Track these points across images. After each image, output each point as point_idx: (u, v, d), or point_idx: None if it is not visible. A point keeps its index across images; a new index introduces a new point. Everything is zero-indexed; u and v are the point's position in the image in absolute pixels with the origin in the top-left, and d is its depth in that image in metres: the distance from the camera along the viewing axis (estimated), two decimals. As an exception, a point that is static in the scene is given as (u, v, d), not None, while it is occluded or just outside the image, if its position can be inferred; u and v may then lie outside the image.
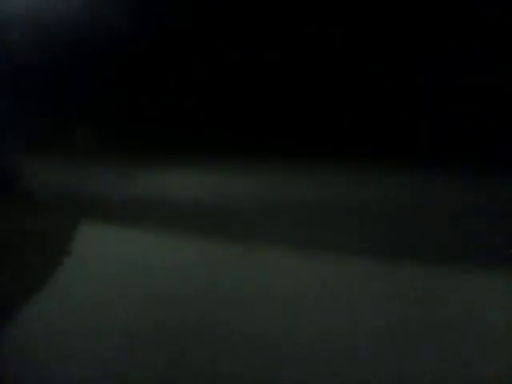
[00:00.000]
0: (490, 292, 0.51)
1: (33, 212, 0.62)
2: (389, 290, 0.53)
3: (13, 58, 0.59)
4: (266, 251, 0.57)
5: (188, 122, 0.56)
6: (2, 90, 0.60)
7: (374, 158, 0.52)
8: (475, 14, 0.44)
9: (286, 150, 0.55)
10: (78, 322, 0.56)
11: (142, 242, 0.60)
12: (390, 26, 0.47)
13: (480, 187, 0.50)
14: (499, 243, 0.51)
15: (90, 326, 0.55)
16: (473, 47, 0.45)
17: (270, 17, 0.49)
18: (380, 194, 0.54)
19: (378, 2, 0.46)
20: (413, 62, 0.47)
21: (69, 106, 0.60)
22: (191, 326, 0.54)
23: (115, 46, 0.55)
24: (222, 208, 0.59)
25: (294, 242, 0.57)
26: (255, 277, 0.56)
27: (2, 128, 0.61)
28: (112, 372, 0.52)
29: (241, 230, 0.58)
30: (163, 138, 0.59)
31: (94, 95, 0.59)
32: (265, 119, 0.54)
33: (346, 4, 0.47)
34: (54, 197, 0.63)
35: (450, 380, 0.48)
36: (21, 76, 0.60)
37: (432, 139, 0.50)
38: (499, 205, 0.51)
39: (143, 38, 0.54)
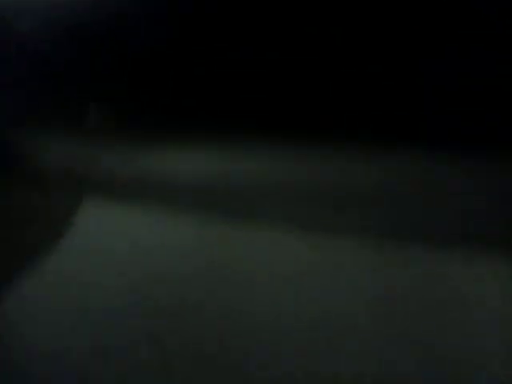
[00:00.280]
0: (488, 275, 0.51)
1: (34, 188, 0.63)
2: (389, 270, 0.53)
3: (17, 36, 0.59)
4: (267, 231, 0.57)
5: (192, 103, 0.56)
6: (6, 67, 0.60)
7: (376, 140, 0.52)
8: (475, 14, 0.44)
9: (288, 130, 0.55)
10: (74, 299, 0.56)
11: (144, 221, 0.60)
12: (386, 18, 0.47)
13: (483, 172, 0.50)
14: (499, 229, 0.51)
15: (87, 303, 0.56)
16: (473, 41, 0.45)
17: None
18: (382, 175, 0.54)
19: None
20: (414, 49, 0.47)
21: (74, 83, 0.60)
22: (191, 304, 0.54)
23: (120, 26, 0.55)
24: (225, 188, 0.59)
25: (295, 222, 0.57)
26: (255, 255, 0.56)
27: (6, 105, 0.61)
28: (107, 347, 0.52)
29: (243, 209, 0.58)
30: (169, 118, 0.59)
31: (99, 73, 0.59)
32: (267, 101, 0.54)
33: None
34: (56, 174, 0.63)
35: (448, 360, 0.48)
36: (24, 52, 0.59)
37: (433, 125, 0.50)
38: (501, 191, 0.51)
39: (151, 20, 0.54)
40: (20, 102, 0.60)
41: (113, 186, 0.60)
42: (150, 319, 0.54)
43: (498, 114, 0.47)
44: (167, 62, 0.55)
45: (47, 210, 0.62)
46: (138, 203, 0.60)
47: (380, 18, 0.47)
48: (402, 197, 0.53)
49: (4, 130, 0.61)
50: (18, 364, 0.53)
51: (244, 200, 0.57)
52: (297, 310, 0.52)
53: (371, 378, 0.48)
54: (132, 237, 0.58)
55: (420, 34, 0.46)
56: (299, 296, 0.53)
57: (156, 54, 0.55)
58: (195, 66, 0.54)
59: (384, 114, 0.51)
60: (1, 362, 0.54)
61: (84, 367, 0.52)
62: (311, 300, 0.52)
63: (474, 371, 0.46)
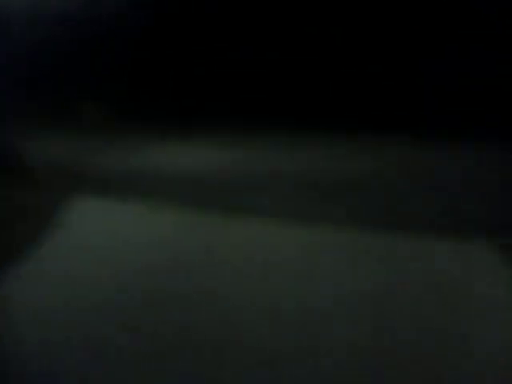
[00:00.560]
0: (477, 262, 0.52)
1: (24, 185, 0.62)
2: (379, 259, 0.53)
3: (15, 28, 0.58)
4: (257, 222, 0.57)
5: (189, 96, 0.56)
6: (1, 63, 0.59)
7: (364, 128, 0.52)
8: (475, 13, 0.44)
9: (282, 120, 0.55)
10: (61, 293, 0.56)
11: (133, 215, 0.60)
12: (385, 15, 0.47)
13: (480, 161, 0.50)
14: (493, 218, 0.51)
15: (74, 296, 0.55)
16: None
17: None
18: (376, 165, 0.54)
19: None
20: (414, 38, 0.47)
21: (69, 79, 0.59)
22: (180, 295, 0.54)
23: (118, 20, 0.54)
24: (216, 181, 0.58)
25: (284, 211, 0.57)
26: (245, 246, 0.56)
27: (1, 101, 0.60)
28: (95, 340, 0.52)
29: (234, 201, 0.58)
30: (162, 111, 0.58)
31: (94, 68, 0.58)
32: (261, 92, 0.54)
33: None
34: (46, 170, 0.62)
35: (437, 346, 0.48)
36: (21, 48, 0.58)
37: (421, 112, 0.50)
38: (498, 180, 0.51)
39: (149, 12, 0.53)
40: (12, 98, 0.59)
41: (107, 181, 0.59)
42: (139, 311, 0.53)
43: (485, 105, 0.47)
44: (162, 56, 0.55)
45: (36, 206, 0.62)
46: (133, 198, 0.59)
47: (379, 15, 0.47)
48: (391, 185, 0.53)
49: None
50: (7, 360, 0.53)
51: (235, 191, 0.57)
52: (285, 299, 0.52)
53: (358, 365, 0.48)
54: (125, 231, 0.58)
55: (415, 27, 0.46)
56: (287, 285, 0.53)
57: (152, 48, 0.55)
58: (190, 60, 0.54)
59: (372, 101, 0.50)
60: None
61: (70, 359, 0.51)
62: (299, 288, 0.52)
63: (461, 358, 0.46)
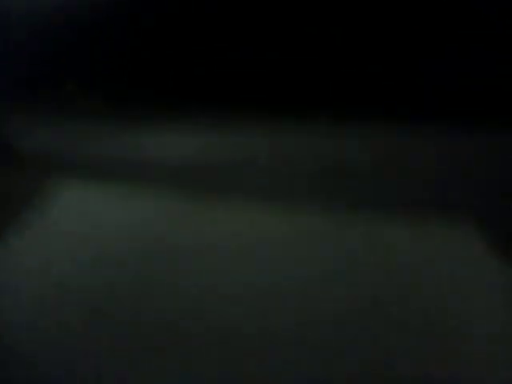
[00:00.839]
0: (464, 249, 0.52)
1: (7, 169, 0.62)
2: (364, 247, 0.54)
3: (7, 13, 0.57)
4: (242, 209, 0.57)
5: (179, 82, 0.56)
6: None
7: (351, 114, 0.52)
8: (475, 13, 0.44)
9: (277, 107, 0.55)
10: (36, 277, 0.56)
11: (117, 201, 0.60)
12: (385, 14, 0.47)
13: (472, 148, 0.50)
14: (481, 206, 0.52)
15: (53, 281, 0.56)
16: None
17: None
18: (366, 154, 0.54)
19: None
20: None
21: (58, 62, 0.59)
22: (164, 281, 0.54)
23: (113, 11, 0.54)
24: (202, 167, 0.59)
25: (269, 195, 0.58)
26: (230, 232, 0.57)
27: None
28: (76, 325, 0.52)
29: (219, 187, 0.58)
30: (152, 97, 0.58)
31: (84, 51, 0.57)
32: (256, 79, 0.54)
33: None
34: (31, 155, 0.62)
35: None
36: (17, 36, 0.58)
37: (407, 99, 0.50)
38: (488, 167, 0.51)
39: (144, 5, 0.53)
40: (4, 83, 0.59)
41: (92, 167, 0.59)
42: (120, 296, 0.54)
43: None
44: (152, 45, 0.54)
45: (19, 191, 0.62)
46: (117, 183, 0.59)
47: (379, 14, 0.47)
48: (378, 173, 0.53)
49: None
50: None
51: (220, 177, 0.57)
52: (273, 284, 0.53)
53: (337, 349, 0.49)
54: (108, 216, 0.58)
55: (415, 26, 0.46)
56: (273, 269, 0.54)
57: (142, 37, 0.54)
58: (180, 49, 0.53)
59: (360, 88, 0.50)
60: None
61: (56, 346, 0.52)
62: (285, 272, 0.53)
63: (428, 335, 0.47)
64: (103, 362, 0.50)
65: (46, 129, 0.61)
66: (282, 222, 0.56)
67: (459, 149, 0.50)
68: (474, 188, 0.51)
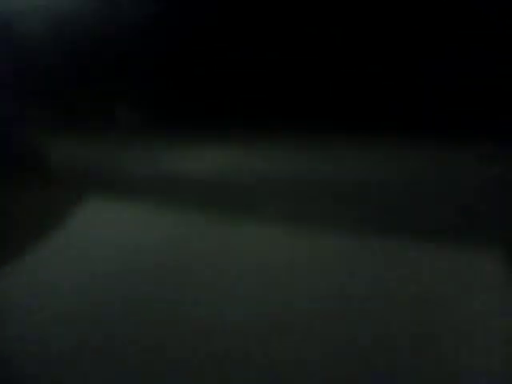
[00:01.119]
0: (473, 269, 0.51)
1: (35, 185, 0.63)
2: (377, 268, 0.53)
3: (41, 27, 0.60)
4: (258, 225, 0.57)
5: (199, 102, 0.57)
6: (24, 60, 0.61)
7: (366, 134, 0.52)
8: (475, 13, 0.44)
9: (293, 125, 0.55)
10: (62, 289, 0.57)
11: (138, 216, 0.61)
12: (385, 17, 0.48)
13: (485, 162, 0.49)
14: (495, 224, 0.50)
15: (74, 296, 0.56)
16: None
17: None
18: (382, 173, 0.53)
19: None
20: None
21: (80, 82, 0.60)
22: (180, 297, 0.54)
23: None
24: (219, 184, 0.59)
25: (288, 216, 0.57)
26: (247, 251, 0.56)
27: (22, 98, 0.62)
28: (93, 338, 0.52)
29: (235, 203, 0.58)
30: (168, 116, 0.59)
31: (103, 73, 0.59)
32: (265, 97, 0.54)
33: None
34: (59, 170, 0.63)
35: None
36: (46, 52, 0.60)
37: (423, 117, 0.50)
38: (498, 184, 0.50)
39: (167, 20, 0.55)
40: (27, 98, 0.61)
41: (115, 182, 0.61)
42: (139, 310, 0.54)
43: (489, 108, 0.47)
44: (172, 62, 0.56)
45: (46, 205, 0.63)
46: (139, 199, 0.60)
47: (379, 17, 0.47)
48: (393, 191, 0.52)
49: (13, 128, 0.62)
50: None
51: (241, 197, 0.58)
52: (284, 301, 0.52)
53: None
54: (129, 232, 0.59)
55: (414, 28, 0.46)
56: (287, 288, 0.53)
57: (166, 57, 0.56)
58: (200, 65, 0.55)
59: (374, 106, 0.50)
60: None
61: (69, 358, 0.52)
62: (302, 293, 0.52)
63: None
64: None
65: (72, 144, 0.63)
66: (301, 245, 0.56)
67: (488, 173, 0.49)
68: (502, 213, 0.50)
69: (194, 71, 0.55)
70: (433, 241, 0.51)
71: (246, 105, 0.55)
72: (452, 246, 0.50)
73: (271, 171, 0.56)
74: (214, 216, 0.58)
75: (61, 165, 0.62)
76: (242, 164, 0.56)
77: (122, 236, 0.59)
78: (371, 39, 0.47)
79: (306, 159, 0.54)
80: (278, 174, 0.55)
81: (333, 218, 0.54)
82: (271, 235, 0.56)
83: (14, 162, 0.62)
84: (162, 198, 0.59)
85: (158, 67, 0.55)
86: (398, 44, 0.46)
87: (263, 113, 0.54)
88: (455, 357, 0.47)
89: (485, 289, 0.48)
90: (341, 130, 0.52)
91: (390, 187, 0.52)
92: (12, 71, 0.60)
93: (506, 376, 0.45)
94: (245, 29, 0.52)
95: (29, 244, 0.60)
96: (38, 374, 0.54)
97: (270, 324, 0.52)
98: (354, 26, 0.47)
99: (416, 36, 0.46)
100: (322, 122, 0.53)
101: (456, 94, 0.46)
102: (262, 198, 0.56)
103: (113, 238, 0.59)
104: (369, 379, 0.47)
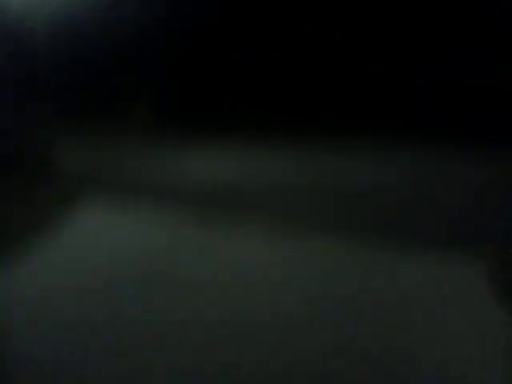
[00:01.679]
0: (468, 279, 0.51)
1: (34, 186, 0.63)
2: (376, 277, 0.53)
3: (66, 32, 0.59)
4: (256, 233, 0.57)
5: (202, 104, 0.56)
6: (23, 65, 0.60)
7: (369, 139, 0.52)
8: (475, 13, 0.44)
9: (293, 125, 0.55)
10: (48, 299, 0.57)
11: (135, 223, 0.60)
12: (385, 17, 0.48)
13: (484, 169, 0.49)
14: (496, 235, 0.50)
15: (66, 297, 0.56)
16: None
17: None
18: (382, 180, 0.53)
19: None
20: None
21: (85, 86, 0.60)
22: (177, 304, 0.54)
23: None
24: (217, 192, 0.59)
25: (286, 223, 0.57)
26: (243, 258, 0.56)
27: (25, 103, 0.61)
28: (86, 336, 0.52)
29: (234, 211, 0.58)
30: (173, 119, 0.59)
31: (107, 80, 0.59)
32: (267, 101, 0.54)
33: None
34: (61, 171, 0.63)
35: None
36: (59, 55, 0.60)
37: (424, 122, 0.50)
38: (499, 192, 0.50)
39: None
40: (36, 100, 0.61)
41: (116, 187, 0.60)
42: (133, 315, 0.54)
43: (492, 112, 0.47)
44: (175, 63, 0.56)
45: (47, 203, 0.63)
46: (136, 205, 0.60)
47: (379, 17, 0.47)
48: (394, 197, 0.52)
49: (21, 130, 0.62)
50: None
51: (235, 201, 0.57)
52: (282, 309, 0.52)
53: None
54: (125, 238, 0.59)
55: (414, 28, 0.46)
56: (284, 295, 0.53)
57: (162, 56, 0.56)
58: (200, 65, 0.55)
59: (374, 107, 0.50)
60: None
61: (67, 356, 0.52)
62: (299, 302, 0.52)
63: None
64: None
65: (73, 141, 0.63)
66: (299, 248, 0.56)
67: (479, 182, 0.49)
68: (490, 225, 0.50)
69: (194, 71, 0.55)
70: (423, 247, 0.51)
71: (246, 106, 0.55)
72: (440, 253, 0.51)
73: (271, 173, 0.56)
74: (212, 218, 0.58)
75: (60, 165, 0.62)
76: (242, 167, 0.56)
77: (120, 237, 0.59)
78: (371, 40, 0.47)
79: (306, 160, 0.54)
80: (277, 176, 0.55)
81: (331, 221, 0.55)
82: (270, 237, 0.56)
83: (14, 162, 0.61)
84: (161, 198, 0.59)
85: (158, 68, 0.55)
86: (397, 44, 0.46)
87: (263, 113, 0.54)
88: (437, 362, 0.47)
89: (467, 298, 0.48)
90: (341, 130, 0.52)
91: (386, 190, 0.52)
92: (12, 71, 0.60)
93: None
94: (245, 30, 0.52)
95: (28, 244, 0.60)
96: (35, 374, 0.54)
97: (266, 328, 0.52)
98: (354, 26, 0.47)
99: (416, 36, 0.46)
100: (321, 121, 0.53)
101: (456, 94, 0.46)
102: (261, 201, 0.56)
103: (110, 240, 0.59)
104: (358, 379, 0.47)
